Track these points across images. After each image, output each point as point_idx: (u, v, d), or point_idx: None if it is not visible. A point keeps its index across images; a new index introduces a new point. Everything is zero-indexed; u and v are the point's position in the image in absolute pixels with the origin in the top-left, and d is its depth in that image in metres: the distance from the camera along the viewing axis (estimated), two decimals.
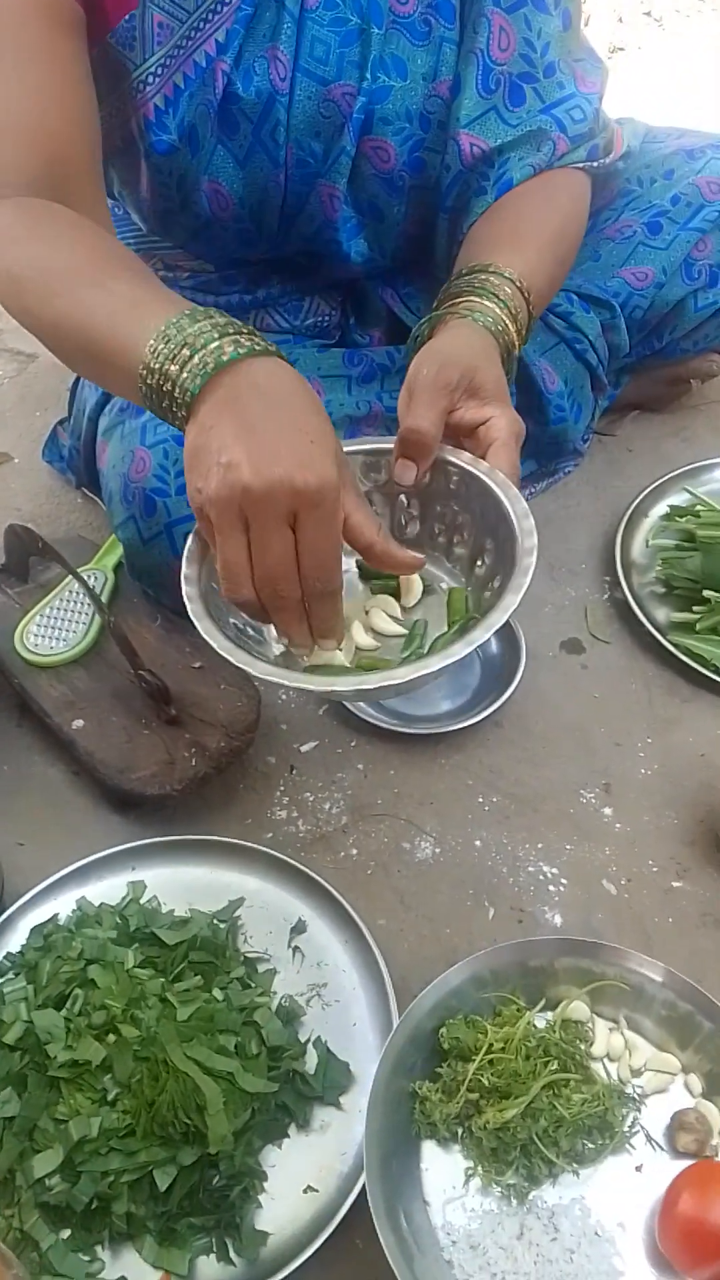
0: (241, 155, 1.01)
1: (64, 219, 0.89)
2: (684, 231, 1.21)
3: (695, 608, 1.14)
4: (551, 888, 0.95)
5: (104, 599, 1.14)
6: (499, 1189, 0.71)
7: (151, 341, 0.74)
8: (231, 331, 0.73)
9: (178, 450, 1.09)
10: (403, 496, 0.91)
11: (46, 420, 1.57)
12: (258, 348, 0.73)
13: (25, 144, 0.90)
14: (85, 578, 1.13)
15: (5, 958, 0.90)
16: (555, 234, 1.04)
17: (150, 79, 0.96)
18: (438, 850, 0.99)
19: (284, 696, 1.13)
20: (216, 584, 0.77)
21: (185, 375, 0.72)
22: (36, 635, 1.11)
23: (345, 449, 0.81)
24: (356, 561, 0.88)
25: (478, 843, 0.99)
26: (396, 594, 0.90)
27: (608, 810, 1.00)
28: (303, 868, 0.95)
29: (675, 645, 1.11)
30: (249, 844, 0.97)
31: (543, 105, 1.04)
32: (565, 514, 1.33)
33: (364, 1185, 0.73)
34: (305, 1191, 0.77)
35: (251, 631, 0.84)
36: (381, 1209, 0.66)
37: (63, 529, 1.37)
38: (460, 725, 1.07)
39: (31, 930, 0.91)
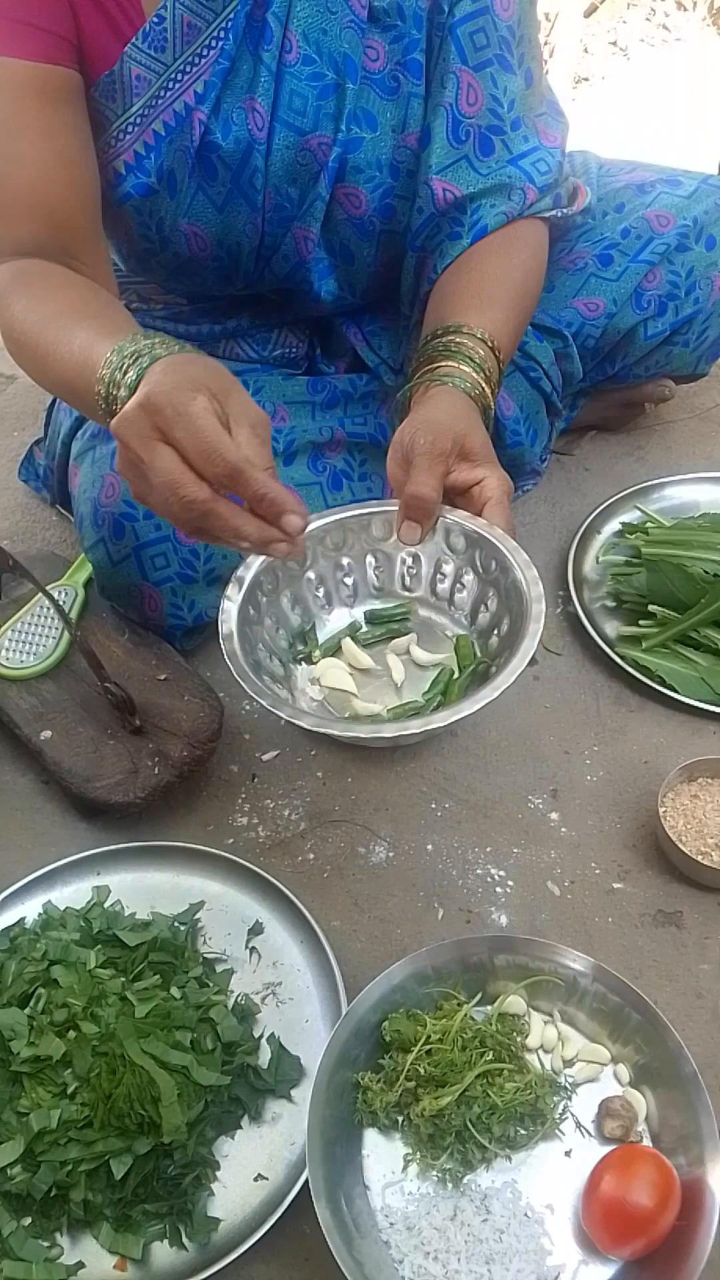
0: (220, 200, 1.06)
1: (55, 274, 0.99)
2: (634, 263, 1.26)
3: (642, 622, 1.19)
4: (499, 889, 0.99)
5: (74, 614, 1.17)
6: (435, 1174, 0.74)
7: (105, 360, 0.84)
8: (169, 345, 0.84)
9: None
10: (404, 554, 0.99)
11: (23, 440, 1.61)
12: (186, 349, 0.85)
13: (25, 216, 0.98)
14: (56, 593, 1.17)
15: None
16: (518, 289, 1.10)
17: (130, 127, 1.02)
18: (391, 854, 1.03)
19: (247, 707, 1.17)
20: (248, 646, 0.89)
21: (127, 377, 0.82)
22: (8, 649, 1.15)
23: (335, 517, 0.96)
24: (365, 613, 0.99)
25: (429, 847, 1.03)
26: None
27: (554, 815, 1.05)
28: (261, 872, 0.98)
29: (623, 658, 1.16)
30: (210, 849, 1.01)
31: (510, 156, 1.09)
32: (523, 530, 1.38)
33: (306, 1174, 0.77)
34: (256, 1179, 0.80)
35: (282, 691, 0.92)
36: (322, 1193, 0.70)
37: (37, 545, 1.41)
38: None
39: None
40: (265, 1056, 0.87)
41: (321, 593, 1.02)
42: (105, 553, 1.12)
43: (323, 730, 0.85)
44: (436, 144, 1.06)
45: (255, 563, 0.96)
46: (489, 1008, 0.82)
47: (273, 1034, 0.88)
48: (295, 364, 1.30)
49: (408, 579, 1.00)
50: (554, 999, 0.82)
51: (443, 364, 0.99)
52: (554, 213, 1.13)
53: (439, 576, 0.98)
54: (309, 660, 1.01)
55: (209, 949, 0.95)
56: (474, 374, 0.99)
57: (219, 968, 0.93)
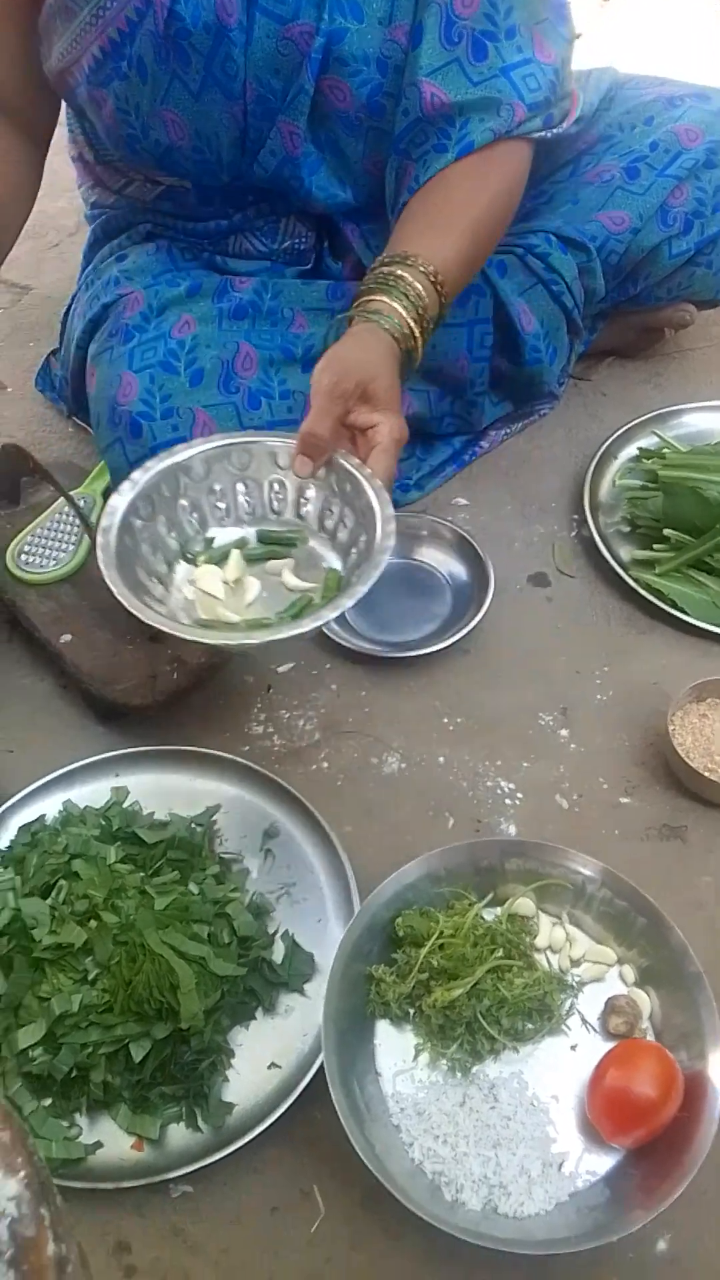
0: (195, 88, 1.05)
1: None
2: (661, 178, 1.23)
3: (656, 546, 1.19)
4: (508, 801, 1.01)
5: (92, 522, 1.17)
6: (445, 1063, 0.77)
7: None
8: None
9: (164, 375, 1.13)
10: (301, 485, 1.00)
11: (39, 351, 1.60)
12: None
13: None
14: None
15: None
16: (485, 215, 1.07)
17: (103, 12, 1.01)
18: (403, 765, 1.05)
19: None
20: (131, 540, 0.92)
21: None
22: (27, 554, 1.16)
23: (244, 439, 1.00)
24: (258, 532, 1.01)
25: (441, 759, 1.05)
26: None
27: (564, 732, 1.06)
28: (276, 778, 1.00)
29: (636, 580, 1.17)
30: (227, 755, 1.03)
31: (503, 64, 1.04)
32: (539, 454, 1.38)
33: (319, 1063, 0.80)
34: (269, 1068, 0.83)
35: (156, 586, 0.95)
36: (337, 1079, 0.73)
37: (54, 455, 1.40)
38: (428, 651, 1.12)
39: (20, 828, 0.97)
40: (279, 953, 0.89)
41: (223, 505, 1.03)
42: (122, 453, 1.12)
43: (162, 627, 0.87)
44: (427, 44, 1.03)
45: (156, 467, 0.97)
46: (499, 909, 0.84)
47: (286, 931, 0.90)
48: (304, 258, 1.27)
49: (301, 510, 1.02)
50: (562, 902, 0.85)
51: (377, 298, 0.99)
52: (543, 133, 1.10)
53: (327, 512, 1.00)
54: (194, 563, 1.01)
55: (225, 850, 0.97)
56: (405, 314, 0.99)
57: (234, 868, 0.95)
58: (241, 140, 1.10)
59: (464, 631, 1.12)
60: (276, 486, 1.01)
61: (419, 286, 1.00)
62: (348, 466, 0.95)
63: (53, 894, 0.89)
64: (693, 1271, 0.73)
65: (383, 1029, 0.80)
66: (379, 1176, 0.68)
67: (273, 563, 0.99)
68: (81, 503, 1.19)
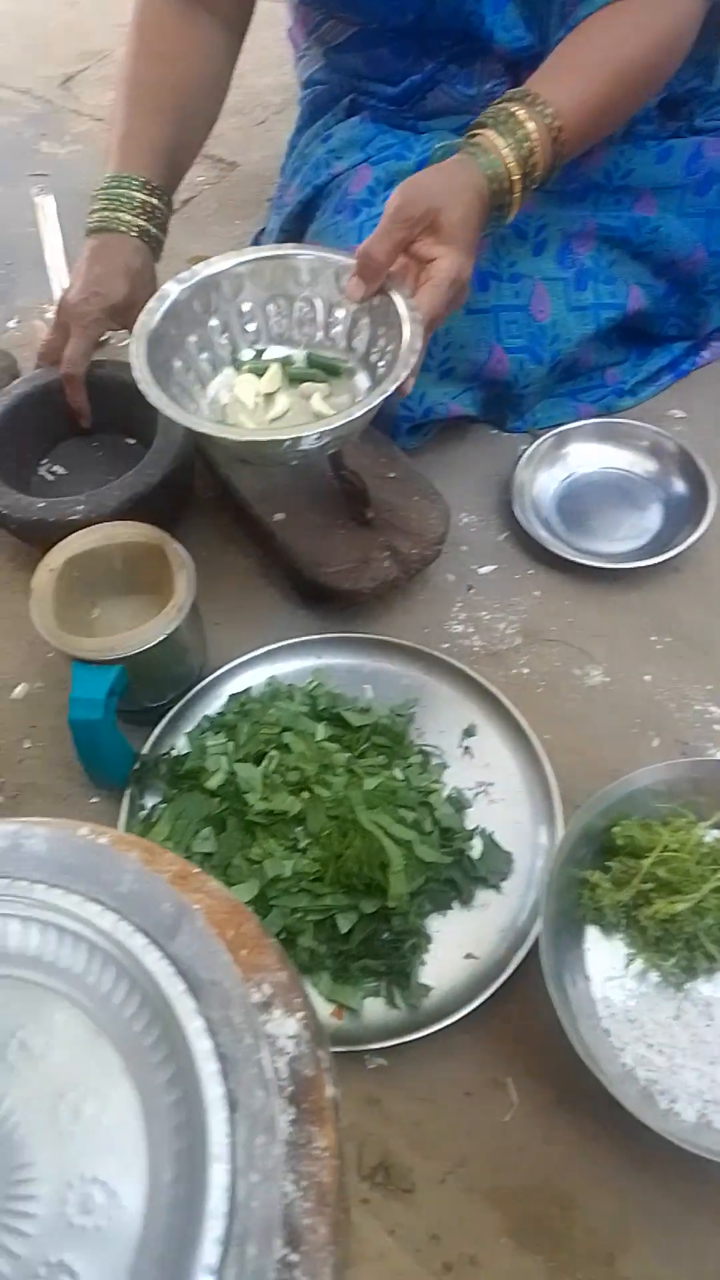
0: None
1: (164, 35, 1.11)
2: None
3: None
4: (717, 726, 0.97)
5: None
6: (657, 975, 0.76)
7: (104, 177, 1.08)
8: (134, 212, 1.06)
9: None
10: (358, 314, 0.99)
11: (245, 228, 1.58)
12: (108, 227, 1.06)
13: None
14: None
15: (204, 718, 0.97)
16: (628, 64, 0.98)
17: None
18: (607, 679, 1.02)
19: (465, 518, 1.16)
20: (177, 331, 0.98)
21: (93, 216, 1.07)
22: None
23: (318, 253, 1.00)
24: (308, 355, 1.01)
25: (647, 677, 1.02)
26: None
27: None
28: (477, 676, 0.99)
29: None
30: (427, 649, 1.02)
31: None
32: None
33: (521, 959, 0.80)
34: (465, 958, 0.83)
35: (194, 385, 1.01)
36: (551, 973, 0.72)
37: None
38: (639, 565, 1.08)
39: (229, 697, 0.98)
40: (476, 849, 0.89)
41: (254, 326, 1.03)
42: None
43: (184, 422, 0.89)
44: None
45: (174, 290, 0.98)
46: (717, 833, 0.82)
47: (483, 828, 0.90)
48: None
49: (353, 340, 1.00)
50: None
51: (484, 132, 0.95)
52: None
53: (373, 346, 0.98)
54: (237, 369, 1.03)
55: (423, 742, 0.96)
56: (507, 155, 0.94)
57: (433, 760, 0.95)
58: None
59: (679, 549, 1.08)
60: (306, 306, 1.01)
61: (530, 127, 0.94)
62: (393, 297, 0.93)
63: (264, 762, 0.90)
64: None
65: (592, 934, 0.80)
66: (594, 1072, 0.68)
67: (307, 385, 0.99)
68: None
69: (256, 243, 1.48)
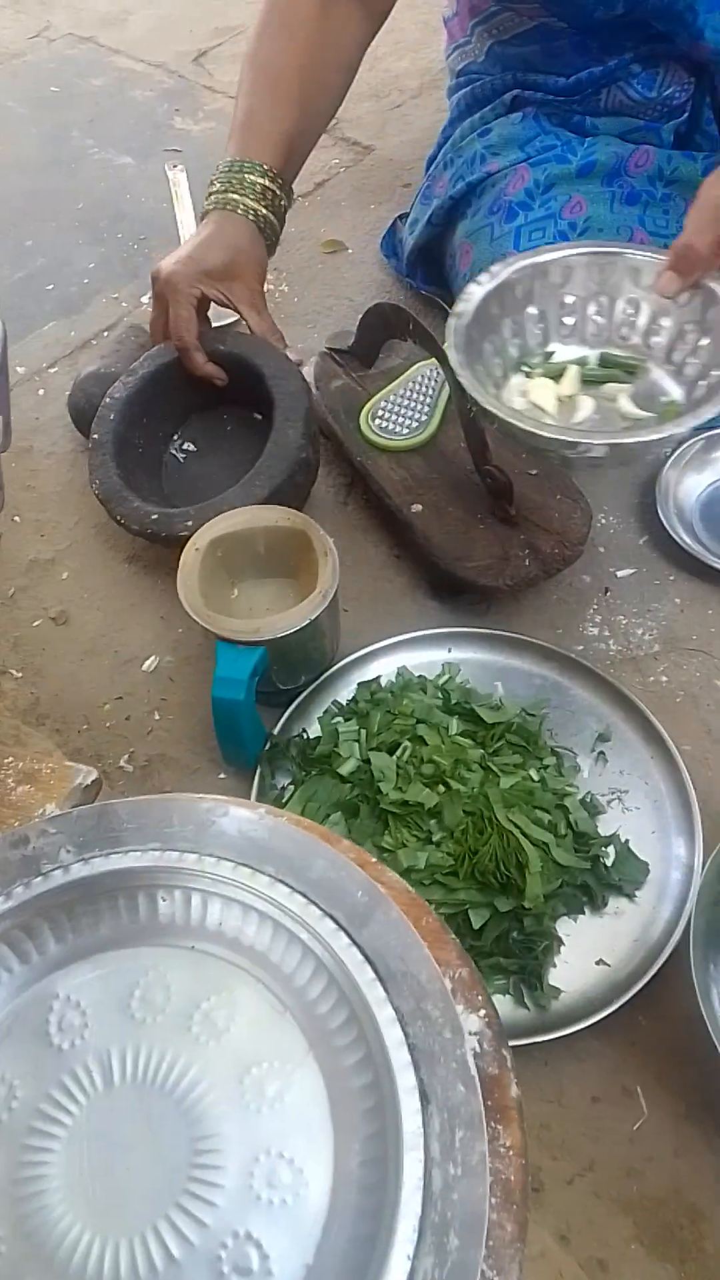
0: None
1: (296, 18, 1.09)
2: None
3: None
4: None
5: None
6: None
7: (224, 160, 1.08)
8: (249, 195, 1.06)
9: None
10: (659, 310, 0.95)
11: (380, 214, 1.58)
12: (223, 205, 1.06)
13: None
14: (426, 371, 1.15)
15: (334, 704, 0.97)
16: None
17: None
18: None
19: (604, 519, 1.15)
20: (478, 334, 0.94)
21: (211, 197, 1.08)
22: (381, 419, 1.15)
23: (609, 249, 0.96)
24: (600, 355, 0.98)
25: None
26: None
27: None
28: (613, 681, 0.98)
29: None
30: (561, 649, 1.01)
31: None
32: None
33: (656, 969, 0.79)
34: (597, 964, 0.83)
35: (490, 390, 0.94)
36: (701, 985, 0.71)
37: None
38: None
39: (359, 685, 0.98)
40: (610, 856, 0.88)
41: (570, 320, 1.00)
42: None
43: (507, 419, 0.86)
44: None
45: (504, 271, 0.96)
46: None
47: (619, 835, 0.89)
48: (679, 111, 1.19)
49: (651, 339, 0.97)
50: None
51: None
52: None
53: (679, 343, 0.95)
54: (528, 374, 0.99)
55: (556, 744, 0.95)
56: None
57: (566, 763, 0.94)
58: None
59: None
60: (630, 308, 0.97)
61: None
62: (717, 290, 0.90)
63: (398, 752, 0.90)
64: None
65: None
66: None
67: (609, 386, 0.96)
68: (434, 373, 1.17)
69: (393, 229, 1.48)
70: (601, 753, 0.95)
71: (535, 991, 0.80)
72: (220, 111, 1.90)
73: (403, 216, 1.47)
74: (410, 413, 1.15)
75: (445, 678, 0.99)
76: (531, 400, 0.97)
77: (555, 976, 0.82)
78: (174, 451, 1.18)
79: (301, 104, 1.09)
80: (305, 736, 0.95)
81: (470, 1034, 0.50)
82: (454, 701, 0.95)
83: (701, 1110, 0.75)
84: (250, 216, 1.06)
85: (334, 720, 0.95)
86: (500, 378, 0.98)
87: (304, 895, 0.53)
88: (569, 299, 0.99)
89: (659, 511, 1.11)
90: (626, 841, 0.88)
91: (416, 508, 1.08)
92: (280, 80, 1.09)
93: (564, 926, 0.85)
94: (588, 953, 0.83)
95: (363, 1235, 0.44)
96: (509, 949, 0.81)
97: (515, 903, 0.80)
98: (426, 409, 1.15)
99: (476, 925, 0.80)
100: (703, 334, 0.92)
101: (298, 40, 1.09)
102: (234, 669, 0.87)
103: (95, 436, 1.09)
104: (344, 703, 0.97)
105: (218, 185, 1.07)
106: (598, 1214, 0.71)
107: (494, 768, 0.88)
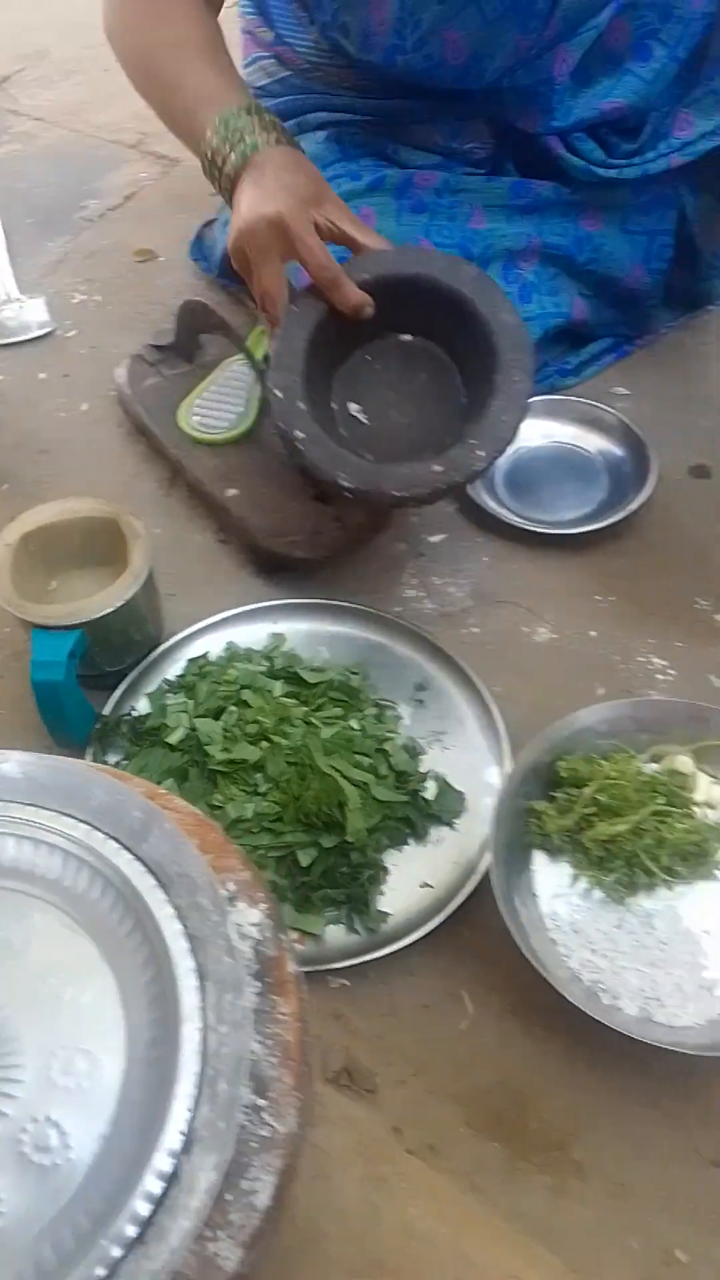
0: (495, 16, 1.03)
1: (168, 7, 1.07)
2: None
3: None
4: (659, 676, 1.03)
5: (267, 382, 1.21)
6: (600, 891, 0.81)
7: (212, 126, 0.99)
8: (267, 128, 0.98)
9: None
10: None
11: (188, 221, 1.62)
12: (280, 140, 0.98)
13: None
14: (235, 367, 1.21)
15: (164, 681, 1.01)
16: None
17: None
18: (554, 636, 1.08)
19: None
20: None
21: (230, 161, 0.98)
22: (199, 414, 1.20)
23: None
24: None
25: (593, 633, 1.07)
26: None
27: (719, 617, 1.08)
28: (428, 636, 1.04)
29: None
30: (380, 612, 1.07)
31: None
32: (704, 348, 1.37)
33: (474, 885, 0.85)
34: (421, 886, 0.88)
35: None
36: (501, 893, 0.78)
37: None
38: (583, 530, 1.14)
39: (188, 661, 1.02)
40: (431, 790, 0.94)
41: None
42: None
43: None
44: None
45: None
46: (657, 765, 0.88)
47: (438, 772, 0.95)
48: (481, 164, 1.27)
49: None
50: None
51: None
52: None
53: None
54: None
55: (378, 697, 1.01)
56: None
57: (388, 713, 1.00)
58: (512, 66, 1.09)
59: (621, 515, 1.14)
60: None
61: None
62: None
63: (224, 717, 0.94)
64: None
65: (539, 858, 0.85)
66: (542, 974, 0.73)
67: None
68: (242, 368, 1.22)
69: (201, 237, 1.53)
70: (421, 700, 1.01)
71: (364, 916, 0.85)
72: (26, 134, 1.93)
73: (210, 223, 1.53)
74: (227, 407, 1.21)
75: (271, 647, 1.04)
76: None
77: (384, 902, 0.87)
78: (351, 413, 1.04)
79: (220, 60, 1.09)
80: (135, 714, 0.98)
81: (250, 924, 0.55)
82: (279, 667, 1.00)
83: (521, 1005, 0.81)
84: (288, 140, 1.00)
85: (163, 695, 0.99)
86: None
87: (88, 823, 0.57)
88: None
89: None
90: (444, 776, 0.94)
91: (232, 492, 1.13)
92: (201, 46, 1.07)
93: (390, 857, 0.90)
94: (413, 878, 0.89)
95: (151, 1100, 0.48)
96: (337, 880, 0.86)
97: (339, 838, 0.86)
98: (242, 402, 1.21)
99: (305, 863, 0.85)
100: None
101: (174, 21, 1.08)
102: (50, 652, 0.90)
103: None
104: (173, 679, 1.01)
105: (232, 139, 0.98)
106: (429, 1107, 0.76)
107: (316, 721, 0.94)
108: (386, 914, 0.86)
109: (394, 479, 0.94)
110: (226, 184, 0.99)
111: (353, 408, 1.04)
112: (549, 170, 1.23)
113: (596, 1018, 0.72)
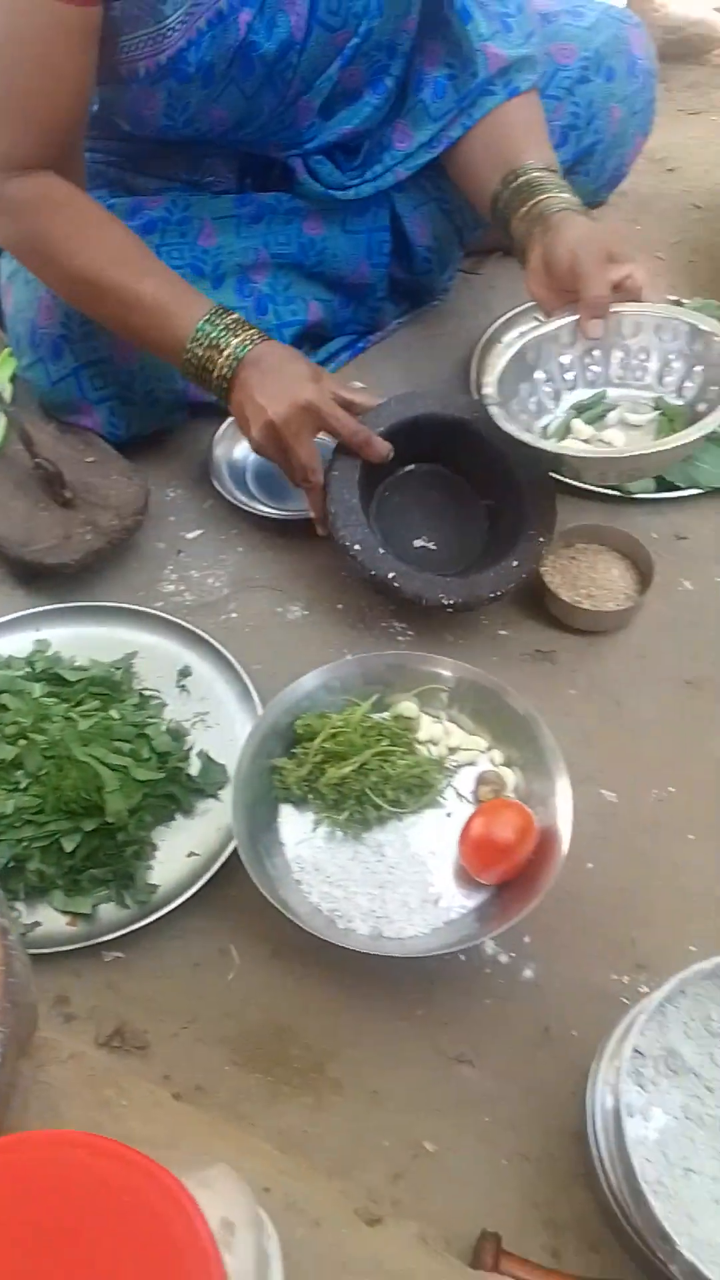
0: (251, 91, 1.12)
1: (78, 204, 1.11)
2: (543, 99, 1.32)
3: None
4: (400, 639, 1.12)
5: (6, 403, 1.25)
6: (339, 831, 0.89)
7: (192, 337, 1.07)
8: (241, 330, 1.07)
9: None
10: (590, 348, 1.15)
11: None
12: (258, 340, 1.07)
13: (34, 132, 1.06)
14: None
15: None
16: (542, 130, 1.22)
17: (177, 25, 1.03)
18: (307, 613, 1.15)
19: (170, 494, 1.27)
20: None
21: (218, 368, 1.07)
22: None
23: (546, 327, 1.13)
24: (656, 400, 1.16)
25: (340, 606, 1.16)
26: None
27: None
28: (189, 626, 1.10)
29: None
30: (142, 608, 1.12)
31: (526, 31, 1.20)
32: (431, 342, 1.48)
33: (233, 848, 0.91)
34: (188, 856, 0.94)
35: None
36: (246, 845, 0.84)
37: None
38: None
39: None
40: (195, 767, 1.00)
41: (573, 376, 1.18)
42: (44, 372, 1.19)
43: (568, 452, 1.07)
44: (478, 17, 1.16)
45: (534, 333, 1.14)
46: (387, 714, 0.96)
47: (202, 749, 1.01)
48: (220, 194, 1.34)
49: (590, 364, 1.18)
50: (441, 705, 0.97)
51: (542, 199, 1.12)
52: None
53: (631, 361, 1.15)
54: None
55: (143, 688, 1.07)
56: (569, 195, 1.12)
57: (152, 701, 1.05)
58: (267, 123, 1.18)
59: None
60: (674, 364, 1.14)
61: (554, 177, 1.15)
62: (636, 309, 1.10)
63: None
64: (551, 992, 0.86)
65: (285, 810, 0.92)
66: (279, 908, 0.80)
67: (609, 415, 1.17)
68: None
69: None
70: (184, 686, 1.07)
71: (132, 890, 0.91)
72: None
73: None
74: None
75: (34, 653, 1.08)
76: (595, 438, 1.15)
77: (153, 875, 0.93)
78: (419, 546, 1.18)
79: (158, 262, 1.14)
80: None
81: None
82: (39, 670, 1.04)
83: (284, 948, 0.88)
84: (260, 333, 1.08)
85: None
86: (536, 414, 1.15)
87: None
88: (566, 358, 1.16)
89: (214, 482, 1.25)
90: (207, 753, 1.00)
91: None
92: (142, 252, 1.11)
93: (159, 833, 0.96)
94: (181, 849, 0.95)
95: None
96: (103, 860, 0.91)
97: (99, 820, 0.91)
98: None
99: (69, 849, 0.90)
100: (644, 342, 1.12)
101: (105, 224, 1.11)
102: None
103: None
104: None
105: (217, 344, 1.06)
106: (198, 1053, 0.82)
107: (75, 716, 0.98)
108: (155, 886, 0.92)
109: (486, 584, 1.08)
110: (221, 384, 1.08)
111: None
112: (284, 189, 1.32)
113: (333, 941, 0.79)
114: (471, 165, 1.22)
